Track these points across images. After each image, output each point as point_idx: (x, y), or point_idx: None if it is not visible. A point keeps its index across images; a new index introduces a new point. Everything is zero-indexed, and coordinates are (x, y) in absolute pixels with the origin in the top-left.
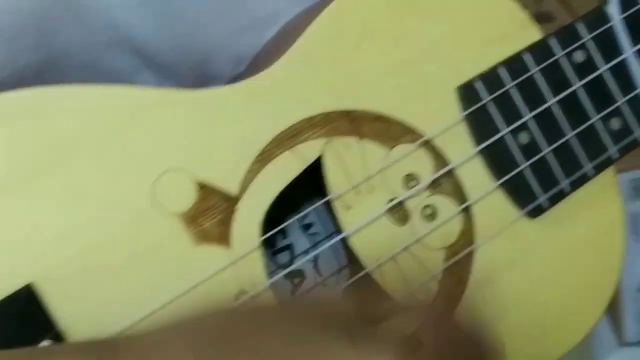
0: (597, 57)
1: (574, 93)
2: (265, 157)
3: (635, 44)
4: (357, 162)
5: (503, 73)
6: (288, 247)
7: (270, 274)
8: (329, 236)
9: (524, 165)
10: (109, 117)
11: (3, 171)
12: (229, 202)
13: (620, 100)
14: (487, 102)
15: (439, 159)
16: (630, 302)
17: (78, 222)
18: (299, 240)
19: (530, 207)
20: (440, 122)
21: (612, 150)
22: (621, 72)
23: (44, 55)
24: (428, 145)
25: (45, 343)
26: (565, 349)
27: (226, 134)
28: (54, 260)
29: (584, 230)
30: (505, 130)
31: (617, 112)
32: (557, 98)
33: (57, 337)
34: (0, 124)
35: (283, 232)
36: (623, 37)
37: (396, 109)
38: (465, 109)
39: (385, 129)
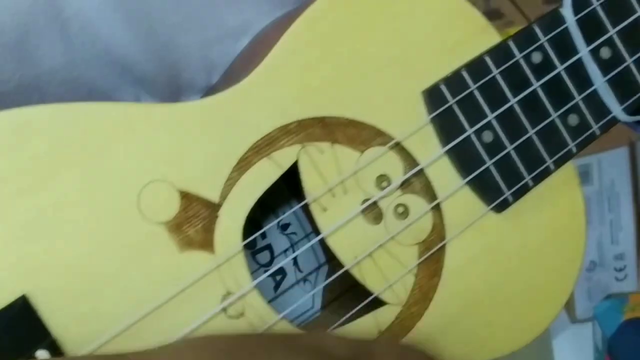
0: (554, 58)
1: (533, 92)
2: (243, 165)
3: (589, 44)
4: (331, 166)
5: (466, 76)
6: (268, 247)
7: (253, 273)
8: (307, 236)
9: (489, 162)
10: (91, 134)
11: None
12: (211, 209)
13: (577, 98)
14: (451, 105)
15: (409, 159)
16: (581, 281)
17: (67, 236)
18: (278, 240)
19: (496, 202)
20: (409, 125)
21: (571, 145)
22: (577, 71)
23: (27, 71)
24: (398, 147)
25: (41, 352)
26: (535, 333)
27: (205, 145)
28: (46, 272)
29: (548, 221)
30: (470, 131)
31: (574, 109)
32: (518, 98)
33: (53, 345)
34: None
35: (263, 234)
36: (578, 37)
37: (366, 114)
38: (431, 111)
39: (356, 134)
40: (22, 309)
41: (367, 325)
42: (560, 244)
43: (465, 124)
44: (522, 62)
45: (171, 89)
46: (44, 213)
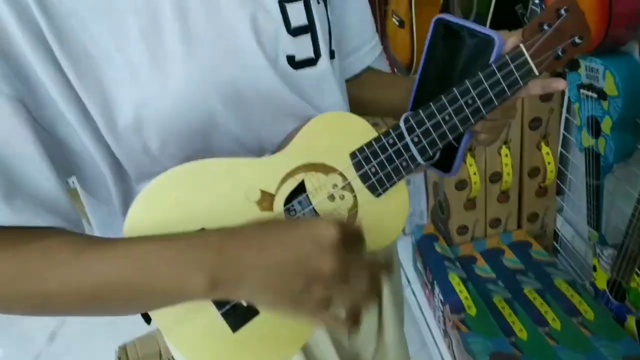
0: (396, 140)
1: (389, 153)
2: (285, 179)
3: (410, 136)
4: (315, 180)
5: (365, 148)
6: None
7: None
8: (308, 207)
9: (373, 179)
10: (228, 168)
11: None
12: (272, 197)
13: (406, 155)
14: (359, 159)
15: (345, 178)
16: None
17: (218, 207)
18: (299, 207)
19: (376, 193)
20: (345, 165)
21: (404, 173)
22: (406, 145)
23: (203, 151)
24: (341, 174)
25: None
26: (397, 234)
27: (272, 172)
28: (214, 217)
29: (395, 197)
30: (366, 168)
31: (406, 159)
32: (384, 155)
33: None
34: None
35: (293, 204)
36: (405, 133)
37: (329, 161)
38: (353, 159)
39: (325, 169)
40: None
41: None
42: (400, 205)
43: (364, 165)
44: (385, 142)
45: (258, 150)
46: (210, 202)
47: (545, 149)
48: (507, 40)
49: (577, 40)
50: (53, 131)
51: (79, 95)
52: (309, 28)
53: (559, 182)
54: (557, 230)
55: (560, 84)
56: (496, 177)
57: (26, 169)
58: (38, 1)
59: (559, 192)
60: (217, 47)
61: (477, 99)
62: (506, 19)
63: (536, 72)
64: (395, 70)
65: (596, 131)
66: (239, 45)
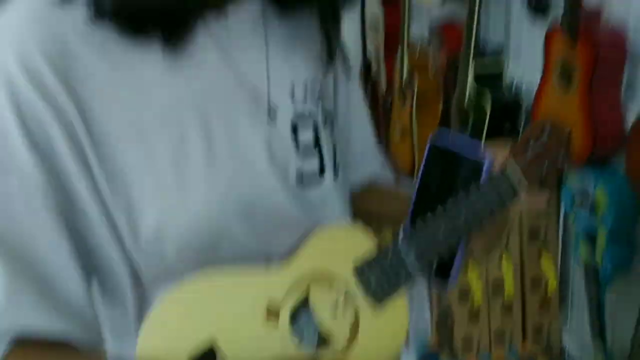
0: (393, 255)
1: (385, 267)
2: (290, 291)
3: (406, 250)
4: (320, 292)
5: (366, 265)
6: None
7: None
8: (311, 324)
9: (377, 297)
10: (232, 282)
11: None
12: (278, 309)
13: (404, 274)
14: (357, 273)
15: (349, 294)
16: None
17: (227, 319)
18: (303, 322)
19: (377, 307)
20: (349, 275)
21: (403, 284)
22: (401, 261)
23: (213, 257)
24: (345, 288)
25: None
26: (399, 347)
27: (278, 285)
28: (223, 330)
29: (396, 307)
30: (373, 291)
31: (403, 276)
32: (383, 275)
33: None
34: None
35: (297, 319)
36: (402, 247)
37: (333, 274)
38: (354, 274)
39: (329, 281)
40: (210, 355)
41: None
42: (399, 322)
43: (365, 278)
44: (384, 256)
45: (264, 257)
46: (215, 313)
47: (545, 259)
48: (496, 156)
49: (562, 156)
50: (84, 240)
51: (109, 210)
52: (317, 150)
53: (562, 293)
54: (563, 344)
55: (542, 201)
56: (498, 286)
57: (61, 276)
58: (84, 122)
59: (563, 303)
60: (235, 168)
61: (468, 215)
62: (501, 128)
63: (523, 187)
64: (398, 176)
65: (592, 244)
66: (254, 167)
